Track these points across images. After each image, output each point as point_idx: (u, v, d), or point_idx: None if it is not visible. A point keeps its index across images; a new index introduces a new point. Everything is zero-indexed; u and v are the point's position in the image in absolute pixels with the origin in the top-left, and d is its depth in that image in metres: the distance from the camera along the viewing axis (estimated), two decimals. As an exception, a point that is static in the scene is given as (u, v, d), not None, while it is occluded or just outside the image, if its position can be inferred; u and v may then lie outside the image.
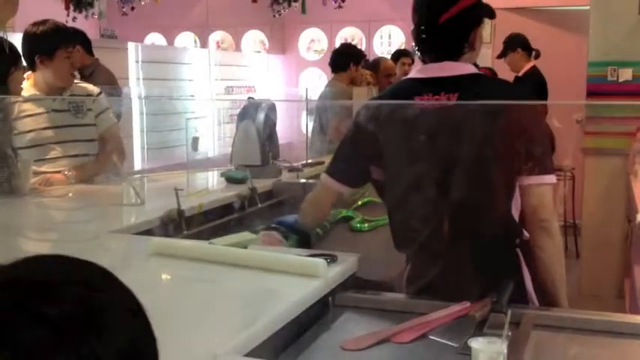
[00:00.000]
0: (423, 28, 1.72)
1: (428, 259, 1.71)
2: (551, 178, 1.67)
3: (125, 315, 0.61)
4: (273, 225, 2.05)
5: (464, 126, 1.66)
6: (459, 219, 1.66)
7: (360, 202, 2.66)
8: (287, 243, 1.97)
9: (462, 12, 1.70)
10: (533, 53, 5.14)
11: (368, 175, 1.84)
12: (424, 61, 1.77)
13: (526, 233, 1.68)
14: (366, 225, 2.41)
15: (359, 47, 5.57)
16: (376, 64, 5.56)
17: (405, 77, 1.83)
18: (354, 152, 1.83)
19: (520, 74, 5.17)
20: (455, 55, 1.71)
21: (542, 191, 1.65)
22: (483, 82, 1.76)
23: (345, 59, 4.86)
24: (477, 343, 1.24)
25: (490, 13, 1.84)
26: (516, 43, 5.10)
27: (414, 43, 1.79)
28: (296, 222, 2.02)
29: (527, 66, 5.14)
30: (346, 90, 4.65)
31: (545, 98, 4.78)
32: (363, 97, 4.60)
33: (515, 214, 1.68)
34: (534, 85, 4.86)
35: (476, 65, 1.80)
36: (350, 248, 1.87)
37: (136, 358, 0.59)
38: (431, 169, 1.68)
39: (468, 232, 1.67)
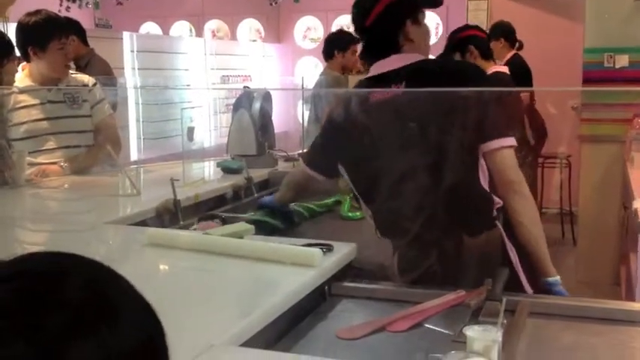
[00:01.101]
0: (356, 32, 1.81)
1: (413, 247, 1.72)
2: (511, 140, 1.69)
3: (137, 305, 0.61)
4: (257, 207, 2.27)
5: (416, 112, 1.71)
6: (433, 201, 1.67)
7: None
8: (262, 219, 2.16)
9: (385, 10, 1.73)
10: (517, 45, 5.09)
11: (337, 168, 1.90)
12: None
13: (498, 200, 1.70)
14: (358, 213, 2.42)
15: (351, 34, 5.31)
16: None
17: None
18: (326, 146, 1.93)
19: (502, 62, 5.15)
20: (392, 51, 1.76)
21: (504, 154, 1.67)
22: (429, 66, 1.81)
23: (330, 47, 4.79)
24: (471, 331, 1.24)
25: (429, 1, 1.84)
26: (499, 33, 5.06)
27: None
28: (275, 202, 2.21)
29: (509, 55, 5.11)
30: (339, 78, 4.59)
31: (529, 86, 4.76)
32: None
33: (485, 184, 1.71)
34: (517, 72, 4.83)
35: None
36: (341, 236, 1.88)
37: (152, 350, 0.59)
38: (395, 158, 1.73)
39: (445, 212, 1.67)
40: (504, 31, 5.08)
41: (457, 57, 3.38)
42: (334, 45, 4.75)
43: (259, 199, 2.35)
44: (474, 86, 1.71)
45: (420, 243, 1.70)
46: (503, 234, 1.71)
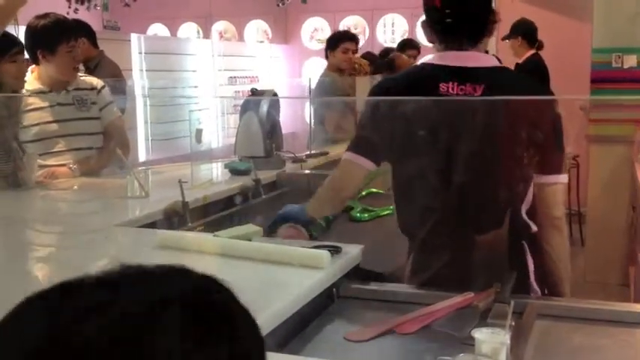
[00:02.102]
0: (448, 11, 1.68)
1: (434, 250, 1.71)
2: (565, 178, 1.72)
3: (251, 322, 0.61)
4: (279, 219, 1.98)
5: (488, 119, 1.66)
6: (472, 212, 1.67)
7: (363, 193, 2.66)
8: (310, 233, 1.94)
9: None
10: (537, 44, 5.07)
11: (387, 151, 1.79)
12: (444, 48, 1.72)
13: (533, 227, 1.70)
14: (366, 215, 2.42)
15: (354, 33, 5.06)
16: (391, 63, 5.45)
17: (423, 62, 1.77)
18: (374, 129, 1.80)
19: (520, 61, 5.14)
20: (477, 41, 1.70)
21: (556, 190, 1.69)
22: (507, 76, 1.77)
23: (325, 48, 4.71)
24: (480, 334, 1.24)
25: None
26: (519, 31, 5.04)
27: (430, 29, 1.73)
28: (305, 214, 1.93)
29: (528, 53, 5.10)
30: (336, 79, 4.48)
31: (547, 86, 4.75)
32: (351, 87, 4.55)
33: (524, 208, 1.70)
34: (533, 72, 4.81)
35: (497, 58, 1.82)
36: (350, 238, 1.88)
37: None
38: (448, 159, 1.67)
39: (479, 224, 1.68)
40: (524, 30, 5.05)
41: None
42: (327, 45, 4.71)
43: (279, 211, 2.02)
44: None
45: (436, 247, 1.69)
46: (527, 252, 1.71)
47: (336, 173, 1.90)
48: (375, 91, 1.88)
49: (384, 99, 1.80)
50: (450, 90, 1.65)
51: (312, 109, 4.23)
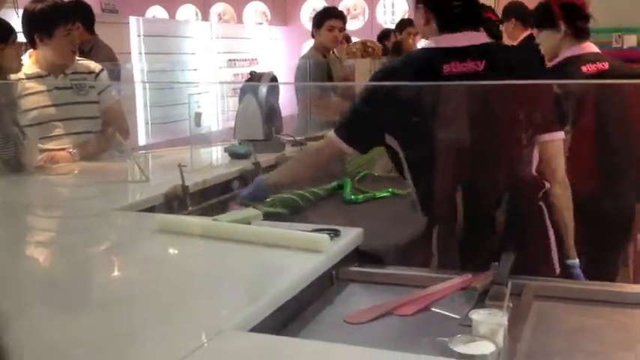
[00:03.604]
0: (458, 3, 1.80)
1: (461, 221, 1.76)
2: (562, 134, 1.88)
3: None
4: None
5: (492, 93, 1.75)
6: (487, 180, 1.77)
7: (358, 176, 2.66)
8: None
9: None
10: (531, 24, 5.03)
11: (380, 141, 1.87)
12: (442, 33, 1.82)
13: (547, 184, 1.82)
14: (360, 197, 2.43)
15: (341, 10, 4.65)
16: (399, 47, 5.40)
17: (422, 48, 1.86)
18: (370, 117, 1.85)
19: (515, 43, 5.11)
20: (469, 26, 1.81)
21: (557, 145, 1.85)
22: (502, 49, 1.96)
23: (312, 26, 4.45)
24: (477, 315, 1.25)
25: None
26: (510, 13, 5.00)
27: (432, 13, 1.82)
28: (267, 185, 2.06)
29: (523, 35, 5.06)
30: (318, 62, 4.28)
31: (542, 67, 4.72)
32: (338, 67, 4.46)
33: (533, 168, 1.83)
34: (530, 53, 4.78)
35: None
36: (344, 220, 1.89)
37: None
38: (458, 133, 1.76)
39: (500, 191, 1.78)
40: (515, 11, 5.00)
41: None
42: (312, 23, 4.43)
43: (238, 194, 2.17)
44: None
45: (466, 220, 1.75)
46: (546, 216, 1.83)
47: (315, 147, 2.05)
48: (378, 78, 1.93)
49: (385, 84, 1.85)
50: (454, 69, 1.75)
51: (297, 94, 4.14)
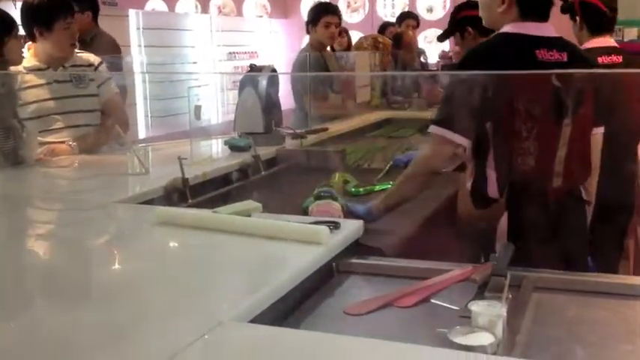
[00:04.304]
0: None
1: (535, 212, 1.81)
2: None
3: None
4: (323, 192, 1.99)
5: (574, 84, 1.83)
6: (562, 169, 1.83)
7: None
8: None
9: None
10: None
11: (481, 124, 1.81)
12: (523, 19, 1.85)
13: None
14: (361, 190, 2.44)
15: (336, 6, 4.62)
16: (399, 39, 5.38)
17: (505, 31, 1.86)
18: (469, 101, 1.81)
19: None
20: (546, 17, 1.88)
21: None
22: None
23: (307, 22, 4.38)
24: (476, 306, 1.26)
25: None
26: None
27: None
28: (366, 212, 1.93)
29: None
30: (316, 58, 4.22)
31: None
32: (335, 64, 4.44)
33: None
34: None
35: None
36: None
37: None
38: (554, 123, 1.81)
39: (569, 182, 1.87)
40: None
41: (457, 37, 3.36)
42: (307, 19, 4.39)
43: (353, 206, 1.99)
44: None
45: (543, 208, 1.81)
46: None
47: (428, 151, 1.93)
48: (472, 60, 1.90)
49: (481, 68, 1.83)
50: (544, 56, 1.79)
51: (294, 89, 4.12)
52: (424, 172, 1.93)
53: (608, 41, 2.98)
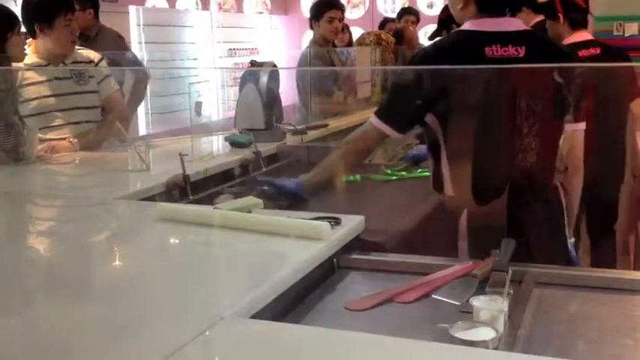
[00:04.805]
0: None
1: (488, 206, 1.81)
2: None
3: None
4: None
5: (530, 78, 1.82)
6: (525, 165, 1.82)
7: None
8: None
9: None
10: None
11: (420, 120, 1.88)
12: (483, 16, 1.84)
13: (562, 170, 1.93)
14: (358, 176, 2.45)
15: (340, 1, 4.60)
16: (400, 35, 5.37)
17: (462, 29, 1.86)
18: (410, 97, 1.86)
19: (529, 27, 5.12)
20: (518, 11, 1.88)
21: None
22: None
23: (310, 18, 4.39)
24: (478, 302, 1.26)
25: None
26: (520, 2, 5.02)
27: None
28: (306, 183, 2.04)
29: (534, 21, 5.05)
30: (322, 54, 4.27)
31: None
32: (338, 59, 4.44)
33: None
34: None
35: None
36: (350, 208, 1.89)
37: None
38: (495, 116, 1.81)
39: (531, 176, 1.84)
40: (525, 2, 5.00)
41: (444, 35, 3.40)
42: (311, 15, 4.40)
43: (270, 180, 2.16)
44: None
45: (497, 202, 1.79)
46: (563, 202, 1.91)
47: (357, 134, 2.01)
48: (421, 58, 1.96)
49: (423, 68, 1.87)
50: (495, 52, 1.78)
51: (299, 85, 4.13)
52: (351, 152, 2.03)
53: (586, 35, 3.13)
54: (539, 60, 1.79)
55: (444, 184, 1.85)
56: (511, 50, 1.78)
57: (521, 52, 1.78)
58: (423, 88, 1.83)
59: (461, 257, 1.75)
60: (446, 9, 3.55)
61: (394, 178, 2.55)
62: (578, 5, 3.14)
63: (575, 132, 1.93)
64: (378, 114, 1.90)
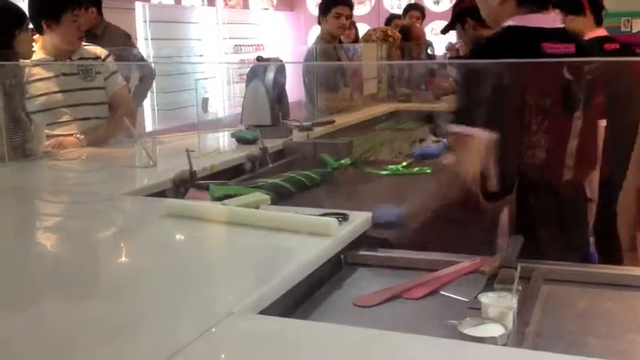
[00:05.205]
0: None
1: (544, 204, 1.79)
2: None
3: None
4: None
5: (585, 76, 1.82)
6: (579, 166, 1.82)
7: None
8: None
9: None
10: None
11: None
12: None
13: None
14: (348, 159, 2.45)
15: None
16: (407, 31, 5.35)
17: (509, 25, 1.81)
18: (487, 97, 1.77)
19: None
20: (549, 7, 1.83)
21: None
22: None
23: (318, 13, 4.38)
24: (486, 298, 1.25)
25: None
26: None
27: None
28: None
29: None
30: (326, 50, 4.24)
31: None
32: (345, 55, 4.43)
33: None
34: None
35: None
36: (333, 200, 1.94)
37: None
38: (565, 116, 1.79)
39: (581, 177, 1.87)
40: None
41: (459, 28, 3.37)
42: (319, 10, 4.38)
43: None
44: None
45: (550, 202, 1.79)
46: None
47: (455, 155, 1.83)
48: (477, 54, 1.91)
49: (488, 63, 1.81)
50: (554, 49, 1.76)
51: (305, 81, 4.12)
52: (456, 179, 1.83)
53: (603, 31, 3.13)
54: (586, 56, 1.81)
55: (491, 180, 1.78)
56: (563, 47, 1.78)
57: (572, 48, 1.79)
58: (491, 86, 1.76)
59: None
60: (461, 1, 3.48)
61: (389, 173, 2.52)
62: (601, 2, 3.16)
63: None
64: (461, 121, 1.77)
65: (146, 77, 4.06)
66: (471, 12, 3.29)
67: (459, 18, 3.40)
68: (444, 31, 3.64)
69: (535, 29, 1.79)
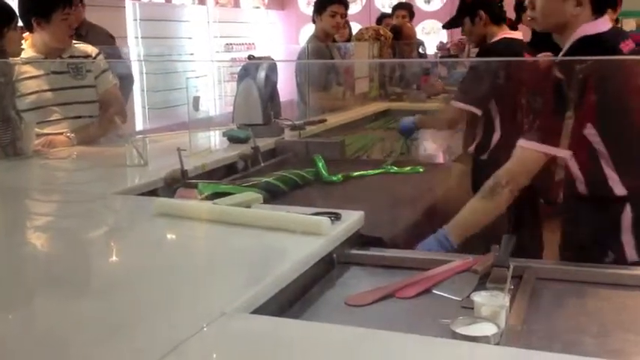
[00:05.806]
0: None
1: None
2: None
3: None
4: None
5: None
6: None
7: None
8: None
9: None
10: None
11: None
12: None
13: None
14: (340, 176, 2.45)
15: None
16: (398, 31, 5.34)
17: (595, 33, 1.87)
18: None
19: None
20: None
21: None
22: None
23: (313, 12, 4.35)
24: (479, 297, 1.26)
25: None
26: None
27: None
28: None
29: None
30: (320, 50, 4.23)
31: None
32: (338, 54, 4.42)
33: None
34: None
35: None
36: (326, 200, 1.93)
37: None
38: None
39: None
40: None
41: (467, 22, 3.20)
42: (314, 9, 4.36)
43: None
44: None
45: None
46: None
47: (512, 166, 1.84)
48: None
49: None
50: (630, 47, 1.88)
51: (298, 79, 4.11)
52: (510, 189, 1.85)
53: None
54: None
55: (607, 184, 1.82)
56: (631, 44, 1.87)
57: (632, 45, 1.89)
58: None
59: (628, 253, 1.79)
60: None
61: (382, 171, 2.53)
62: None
63: None
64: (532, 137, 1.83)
65: (125, 82, 4.00)
66: (485, 5, 3.18)
67: (470, 11, 3.19)
68: (448, 25, 3.46)
69: (608, 32, 1.87)
